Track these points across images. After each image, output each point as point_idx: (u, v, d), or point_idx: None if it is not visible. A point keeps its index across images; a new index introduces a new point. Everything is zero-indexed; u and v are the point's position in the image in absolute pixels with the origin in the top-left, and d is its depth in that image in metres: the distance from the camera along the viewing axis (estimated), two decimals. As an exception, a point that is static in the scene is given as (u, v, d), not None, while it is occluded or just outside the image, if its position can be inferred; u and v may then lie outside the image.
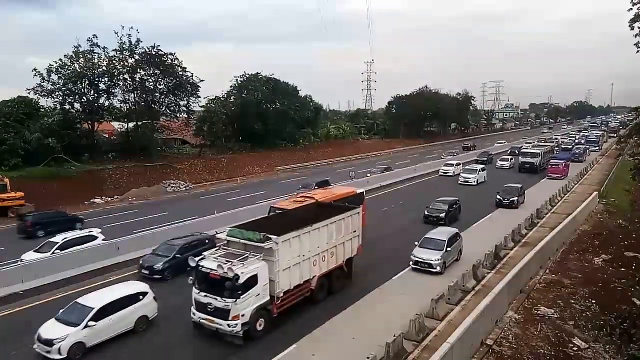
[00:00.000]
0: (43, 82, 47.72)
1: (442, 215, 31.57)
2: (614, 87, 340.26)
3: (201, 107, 62.13)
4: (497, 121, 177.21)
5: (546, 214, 35.27)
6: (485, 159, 65.08)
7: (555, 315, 18.51)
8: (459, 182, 48.49)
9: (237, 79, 70.82)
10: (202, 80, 57.06)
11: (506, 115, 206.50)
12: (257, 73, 71.36)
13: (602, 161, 70.11)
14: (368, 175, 52.93)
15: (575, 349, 16.18)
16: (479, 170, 49.86)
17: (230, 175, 58.49)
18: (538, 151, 59.12)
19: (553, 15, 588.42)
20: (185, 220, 30.64)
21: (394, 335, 14.69)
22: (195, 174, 55.92)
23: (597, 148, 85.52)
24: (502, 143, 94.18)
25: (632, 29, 28.44)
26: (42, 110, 50.14)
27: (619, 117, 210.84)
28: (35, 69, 47.55)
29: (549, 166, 53.28)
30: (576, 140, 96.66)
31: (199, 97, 58.43)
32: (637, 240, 29.09)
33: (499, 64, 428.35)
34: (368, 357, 13.36)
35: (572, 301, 19.97)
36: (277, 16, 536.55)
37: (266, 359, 14.98)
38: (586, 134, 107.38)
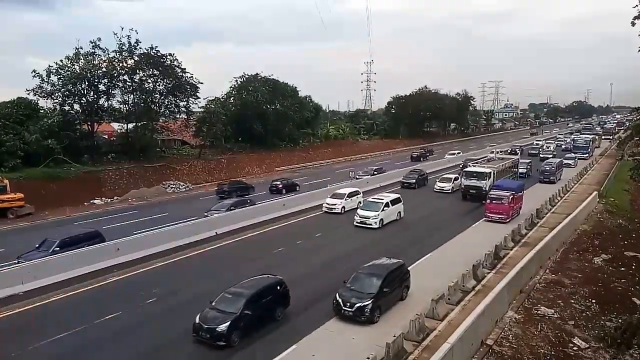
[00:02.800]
0: (43, 83, 47.71)
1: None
2: (613, 87, 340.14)
3: (201, 108, 62.10)
4: (497, 121, 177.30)
5: (546, 214, 35.29)
6: (414, 180, 47.50)
7: (556, 315, 18.51)
8: (355, 222, 32.09)
9: (236, 80, 70.86)
10: (202, 83, 57.14)
11: (505, 115, 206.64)
12: (257, 74, 71.34)
13: (602, 161, 70.11)
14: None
15: (575, 348, 16.18)
16: (384, 207, 32.12)
17: (230, 176, 58.46)
18: (488, 170, 40.93)
19: (552, 14, 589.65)
20: (186, 221, 30.65)
21: (394, 336, 14.68)
22: (195, 175, 55.93)
23: (586, 155, 72.25)
24: (454, 154, 74.15)
25: (634, 25, 28.07)
26: (42, 111, 50.08)
27: (618, 116, 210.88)
28: (34, 70, 47.61)
29: (487, 200, 33.56)
30: (548, 148, 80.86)
31: (198, 97, 58.44)
32: (637, 239, 29.15)
33: (498, 64, 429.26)
34: (368, 358, 13.35)
35: (572, 301, 19.98)
36: (277, 17, 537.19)
37: (267, 359, 14.96)
38: (575, 137, 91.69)
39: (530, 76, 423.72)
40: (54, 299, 20.00)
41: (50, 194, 40.44)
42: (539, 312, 18.76)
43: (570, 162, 62.67)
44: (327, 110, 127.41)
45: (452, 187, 44.44)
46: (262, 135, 68.69)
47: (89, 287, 21.32)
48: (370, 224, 31.29)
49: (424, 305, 18.03)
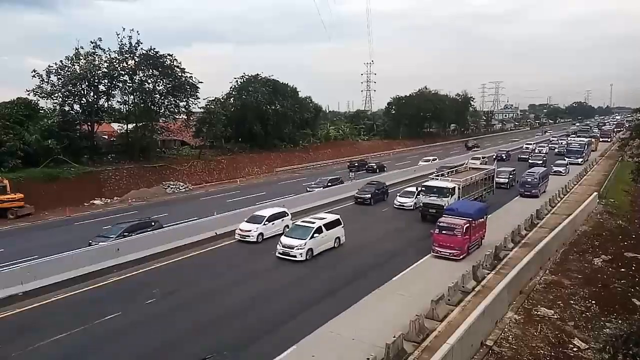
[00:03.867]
0: (42, 83, 47.69)
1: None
2: (613, 88, 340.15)
3: (201, 108, 62.12)
4: (497, 122, 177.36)
5: (546, 215, 35.30)
6: (368, 195, 40.41)
7: (555, 316, 18.51)
8: (277, 253, 25.53)
9: (237, 80, 70.92)
10: (201, 83, 57.12)
11: (506, 116, 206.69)
12: (257, 74, 71.37)
13: (602, 162, 70.11)
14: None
15: (575, 349, 16.17)
16: (314, 232, 25.52)
17: (230, 177, 58.54)
18: (451, 185, 33.99)
19: (552, 15, 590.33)
20: (186, 221, 30.64)
21: (394, 336, 14.68)
22: (195, 175, 55.95)
23: (580, 160, 65.49)
24: (429, 160, 64.91)
25: None
26: (42, 111, 50.06)
27: (618, 117, 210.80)
28: (34, 71, 47.58)
29: (435, 229, 25.29)
30: (540, 152, 74.59)
31: (198, 98, 58.39)
32: (637, 240, 29.15)
33: (498, 64, 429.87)
34: (368, 359, 13.35)
35: (572, 302, 19.98)
36: (277, 17, 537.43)
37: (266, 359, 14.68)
38: (569, 141, 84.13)
39: (530, 77, 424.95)
40: (53, 299, 19.99)
41: (50, 194, 40.44)
42: (539, 313, 18.76)
43: (560, 169, 56.14)
44: (327, 111, 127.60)
45: (415, 203, 37.27)
46: (262, 135, 68.71)
47: (88, 288, 21.31)
48: (295, 256, 24.58)
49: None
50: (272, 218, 29.82)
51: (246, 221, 29.37)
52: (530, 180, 42.96)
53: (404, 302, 19.47)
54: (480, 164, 52.87)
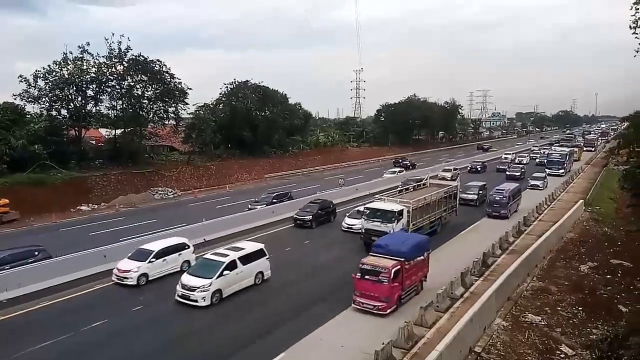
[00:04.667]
0: (29, 88, 47.17)
1: None
2: (598, 97, 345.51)
3: (190, 114, 61.90)
4: (485, 130, 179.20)
5: (533, 222, 35.64)
6: (309, 217, 34.30)
7: (543, 323, 18.67)
8: (176, 296, 20.46)
9: (226, 86, 70.87)
10: (190, 89, 56.99)
11: (493, 124, 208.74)
12: (247, 80, 71.40)
13: (588, 170, 70.97)
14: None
15: (562, 356, 16.30)
16: (224, 269, 20.53)
17: (219, 183, 58.25)
18: (397, 208, 28.15)
19: (539, 26, 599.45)
20: (174, 228, 30.42)
21: (383, 343, 14.68)
22: (184, 181, 55.62)
23: (561, 172, 61.44)
24: (394, 173, 59.23)
25: (635, 28, 26.41)
26: (28, 116, 49.52)
27: (603, 126, 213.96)
28: (21, 75, 47.09)
29: (357, 273, 19.55)
30: (520, 162, 72.18)
31: (187, 104, 58.21)
32: (623, 247, 29.57)
33: (486, 72, 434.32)
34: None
35: (559, 308, 20.17)
36: (268, 24, 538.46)
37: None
38: (549, 151, 78.89)
39: (518, 85, 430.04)
40: (39, 306, 19.69)
41: (36, 200, 39.86)
42: (527, 319, 18.90)
43: (537, 183, 51.28)
44: (317, 117, 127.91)
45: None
46: (251, 142, 68.61)
47: (75, 295, 21.03)
48: (196, 300, 19.35)
49: None
50: (163, 253, 23.14)
51: (129, 257, 22.91)
52: (498, 199, 37.12)
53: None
54: (452, 177, 50.64)
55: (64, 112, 51.30)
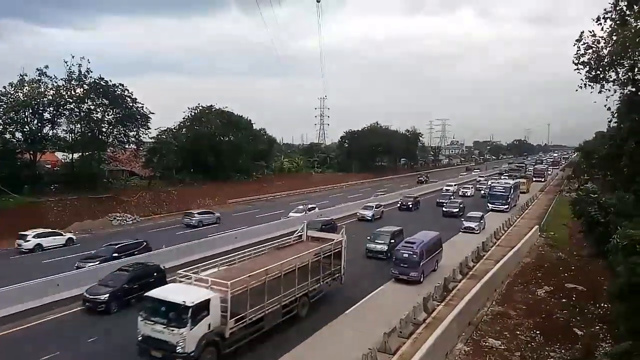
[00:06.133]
0: (-19, 110, 45.52)
1: None
2: (550, 127, 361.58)
3: (151, 138, 61.00)
4: (444, 157, 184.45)
5: (491, 247, 36.53)
6: (105, 296, 21.49)
7: (503, 347, 18.97)
8: None
9: (190, 111, 70.46)
10: (153, 113, 56.39)
11: (452, 151, 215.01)
12: (211, 105, 71.34)
13: (542, 197, 73.62)
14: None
15: (521, 379, 16.55)
16: None
17: (181, 208, 57.01)
18: (194, 299, 15.60)
19: (491, 60, 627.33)
20: (134, 254, 29.45)
21: (347, 372, 14.25)
22: (144, 207, 54.20)
23: (505, 207, 54.63)
24: (302, 212, 47.56)
25: (577, 65, 27.88)
26: (-21, 139, 47.55)
27: (555, 154, 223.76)
28: (-28, 97, 45.41)
29: None
30: (465, 193, 68.34)
31: (149, 128, 57.49)
32: (576, 272, 30.61)
33: (444, 102, 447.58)
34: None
35: (518, 332, 20.58)
36: (232, 51, 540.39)
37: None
38: (494, 183, 63.70)
39: (475, 115, 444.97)
40: (-17, 340, 18.48)
41: (-15, 226, 37.88)
42: (487, 343, 19.18)
43: (472, 224, 42.08)
44: (282, 143, 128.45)
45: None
46: (215, 166, 68.03)
47: (25, 326, 19.92)
48: None
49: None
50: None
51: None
52: (406, 255, 26.78)
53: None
54: (373, 215, 47.36)
55: (18, 134, 49.66)
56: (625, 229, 17.82)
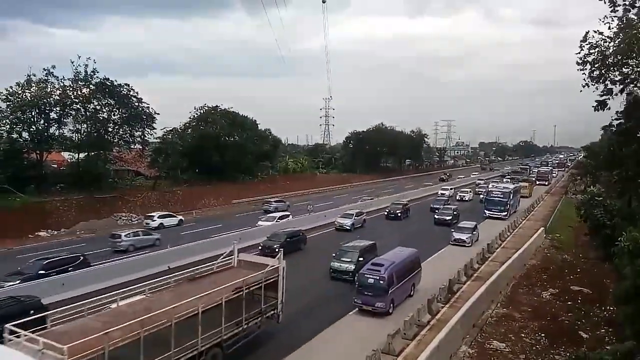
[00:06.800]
0: (-11, 110, 45.87)
1: None
2: (556, 129, 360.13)
3: (157, 138, 61.22)
4: (449, 158, 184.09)
5: (496, 249, 36.39)
6: None
7: (507, 349, 18.90)
8: None
9: (196, 111, 70.74)
10: (158, 114, 56.63)
11: (457, 152, 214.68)
12: (217, 106, 71.58)
13: (548, 198, 73.29)
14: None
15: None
16: None
17: (186, 208, 57.25)
18: None
19: (497, 61, 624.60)
20: (138, 255, 29.58)
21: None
22: (149, 207, 54.29)
23: (503, 215, 50.34)
24: (272, 220, 41.93)
25: (582, 63, 27.59)
26: (-14, 139, 47.90)
27: (561, 156, 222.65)
28: (-21, 98, 45.76)
29: None
30: (462, 197, 64.78)
31: (154, 128, 57.71)
32: (582, 274, 30.47)
33: (450, 103, 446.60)
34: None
35: (523, 335, 20.49)
36: (237, 52, 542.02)
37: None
38: (491, 188, 56.24)
39: (480, 116, 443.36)
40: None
41: (-9, 225, 38.14)
42: (491, 346, 19.10)
43: (462, 236, 36.98)
44: (287, 144, 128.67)
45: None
46: (220, 167, 68.15)
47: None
48: None
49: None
50: None
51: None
52: (371, 281, 21.66)
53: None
54: (353, 225, 41.82)
55: (25, 134, 50.01)
56: (631, 233, 17.71)
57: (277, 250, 22.50)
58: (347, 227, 41.93)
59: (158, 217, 44.17)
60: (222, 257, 19.65)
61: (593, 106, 28.40)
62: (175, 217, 45.88)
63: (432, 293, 22.69)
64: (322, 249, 26.72)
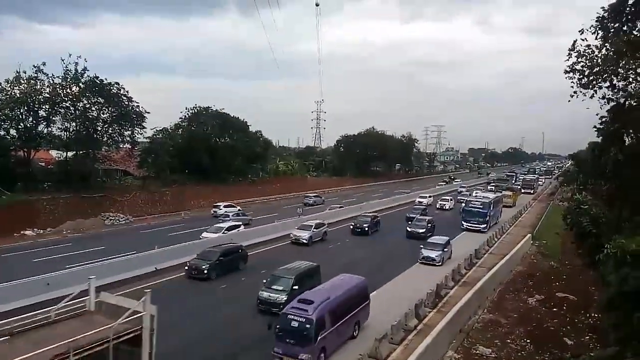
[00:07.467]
0: (-25, 106, 45.24)
1: None
2: (545, 137, 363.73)
3: (147, 138, 60.79)
4: (439, 164, 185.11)
5: (484, 255, 36.63)
6: None
7: (493, 355, 19.02)
8: None
9: (187, 111, 70.41)
10: (148, 113, 56.19)
11: (447, 158, 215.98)
12: (208, 107, 71.26)
13: (535, 204, 73.90)
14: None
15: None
16: None
17: (175, 209, 56.96)
18: None
19: (488, 69, 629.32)
20: (122, 256, 29.31)
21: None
22: (137, 207, 53.96)
23: (482, 227, 46.28)
24: (219, 231, 36.50)
25: (571, 71, 28.50)
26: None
27: (549, 163, 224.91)
28: (-34, 94, 45.14)
29: None
30: (443, 206, 61.09)
31: (144, 127, 57.23)
32: (567, 281, 30.76)
33: (440, 109, 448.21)
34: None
35: (509, 340, 20.63)
36: (229, 53, 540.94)
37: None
38: (470, 198, 53.46)
39: (470, 122, 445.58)
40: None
41: (-24, 223, 37.61)
42: (478, 351, 19.21)
43: (432, 254, 32.51)
44: (277, 146, 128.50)
45: None
46: (210, 168, 67.84)
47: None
48: None
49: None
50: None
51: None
52: (295, 324, 16.61)
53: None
54: (311, 238, 37.51)
55: (13, 132, 49.41)
56: (616, 240, 17.93)
57: (205, 272, 19.17)
58: (304, 241, 37.06)
59: (224, 207, 52.50)
60: (71, 296, 13.19)
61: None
62: (235, 207, 53.63)
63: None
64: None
